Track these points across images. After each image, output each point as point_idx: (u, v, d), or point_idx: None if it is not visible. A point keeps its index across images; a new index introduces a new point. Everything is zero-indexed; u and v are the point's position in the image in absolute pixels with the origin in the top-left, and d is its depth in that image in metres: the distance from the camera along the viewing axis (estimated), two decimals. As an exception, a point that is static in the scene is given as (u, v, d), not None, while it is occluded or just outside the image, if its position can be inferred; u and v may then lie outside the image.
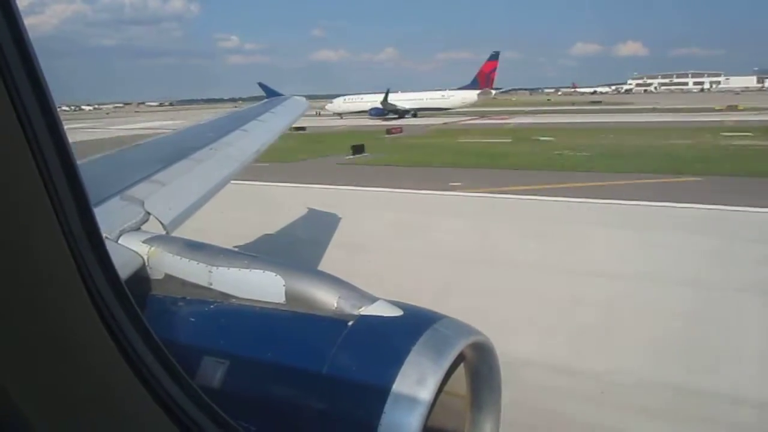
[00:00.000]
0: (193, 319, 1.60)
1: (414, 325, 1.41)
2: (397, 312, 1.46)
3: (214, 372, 1.42)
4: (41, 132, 0.76)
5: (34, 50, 0.76)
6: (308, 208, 12.73)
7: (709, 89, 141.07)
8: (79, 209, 0.84)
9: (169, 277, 1.75)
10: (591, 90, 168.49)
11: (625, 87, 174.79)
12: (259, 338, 1.52)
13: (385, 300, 1.51)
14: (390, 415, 1.25)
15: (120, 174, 2.83)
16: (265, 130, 5.05)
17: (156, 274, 1.78)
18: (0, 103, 0.71)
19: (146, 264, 1.80)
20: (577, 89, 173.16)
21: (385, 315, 1.45)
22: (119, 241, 1.90)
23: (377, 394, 1.27)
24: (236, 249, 1.82)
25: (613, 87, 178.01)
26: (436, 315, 1.46)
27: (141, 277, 1.77)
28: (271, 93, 7.98)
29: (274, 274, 1.58)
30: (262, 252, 1.81)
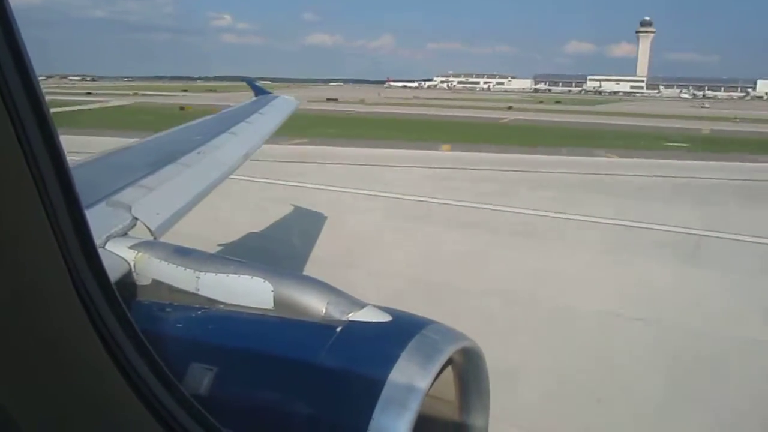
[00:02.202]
0: (180, 325, 1.59)
1: (403, 331, 1.41)
2: (386, 318, 1.46)
3: (201, 378, 1.41)
4: (33, 135, 0.76)
5: (26, 47, 0.76)
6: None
7: (488, 88, 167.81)
8: (71, 214, 0.84)
9: (156, 283, 1.74)
10: (401, 84, 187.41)
11: (429, 83, 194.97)
12: (247, 344, 1.52)
13: (374, 306, 1.51)
14: (378, 421, 1.25)
15: (107, 178, 2.81)
16: (253, 133, 5.03)
17: (143, 280, 1.77)
18: None
19: (133, 270, 1.78)
20: (391, 83, 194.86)
21: (374, 321, 1.46)
22: (106, 247, 1.88)
23: (365, 400, 1.28)
24: (223, 254, 1.81)
25: (420, 82, 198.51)
26: (425, 321, 1.47)
27: (127, 283, 1.76)
28: (259, 91, 7.93)
29: (263, 279, 1.58)
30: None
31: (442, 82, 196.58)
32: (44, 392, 0.86)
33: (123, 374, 0.94)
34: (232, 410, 1.37)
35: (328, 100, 65.83)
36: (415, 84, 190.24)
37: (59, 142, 0.81)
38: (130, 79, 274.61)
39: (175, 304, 1.66)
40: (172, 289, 1.69)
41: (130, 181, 2.72)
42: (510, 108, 56.89)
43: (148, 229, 2.28)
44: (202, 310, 1.61)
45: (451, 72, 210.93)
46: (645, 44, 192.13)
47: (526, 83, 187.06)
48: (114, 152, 3.79)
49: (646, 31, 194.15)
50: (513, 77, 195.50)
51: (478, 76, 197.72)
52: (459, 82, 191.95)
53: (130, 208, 2.32)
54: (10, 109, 0.72)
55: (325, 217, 11.32)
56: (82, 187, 0.87)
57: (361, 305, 1.50)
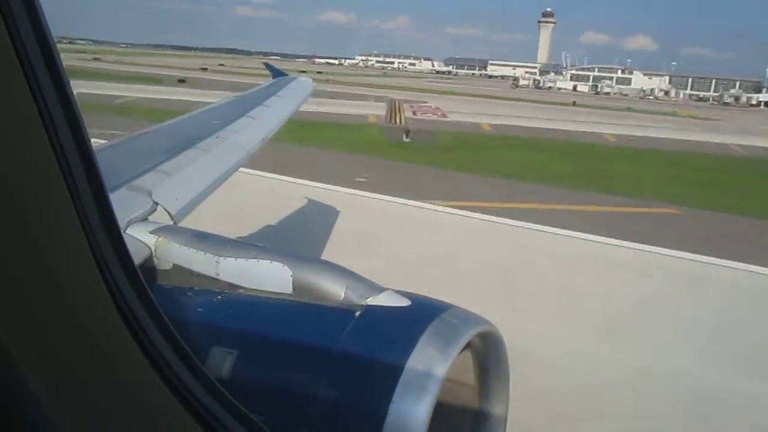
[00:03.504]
0: (200, 309, 1.61)
1: (422, 315, 1.41)
2: (404, 302, 1.46)
3: (222, 362, 1.43)
4: (60, 121, 0.77)
5: (53, 40, 0.76)
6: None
7: (398, 68, 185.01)
8: (96, 198, 0.85)
9: (176, 268, 1.76)
10: (325, 61, 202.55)
11: (350, 61, 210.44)
12: (267, 329, 1.53)
13: (393, 290, 1.51)
14: (399, 403, 1.25)
15: (127, 164, 2.83)
16: (271, 117, 5.03)
17: (163, 265, 1.78)
18: (21, 94, 0.72)
19: (154, 254, 1.80)
20: (315, 59, 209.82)
21: (392, 305, 1.45)
22: (127, 232, 1.90)
23: (385, 384, 1.28)
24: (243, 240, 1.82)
25: (341, 60, 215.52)
26: (444, 305, 1.46)
27: (148, 268, 1.78)
28: (276, 73, 7.93)
29: (281, 264, 1.58)
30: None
31: (362, 60, 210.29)
32: (68, 374, 0.88)
33: (147, 357, 0.95)
34: (252, 393, 1.39)
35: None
36: (336, 61, 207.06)
37: (84, 128, 0.82)
38: (128, 45, 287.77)
39: (196, 288, 1.67)
40: (192, 273, 1.71)
41: (149, 166, 2.74)
42: (205, 69, 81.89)
43: (169, 213, 2.30)
44: (222, 295, 1.62)
45: (375, 51, 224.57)
46: (545, 34, 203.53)
47: (435, 64, 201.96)
48: (133, 137, 3.82)
49: (547, 22, 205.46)
50: (426, 59, 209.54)
51: (395, 56, 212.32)
52: (377, 62, 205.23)
53: (150, 193, 2.34)
54: (37, 98, 0.73)
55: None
56: (103, 172, 0.87)
57: (379, 290, 1.50)
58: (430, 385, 1.26)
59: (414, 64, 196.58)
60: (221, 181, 3.14)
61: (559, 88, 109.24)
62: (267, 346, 1.48)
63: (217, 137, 3.73)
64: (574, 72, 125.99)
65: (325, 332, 1.43)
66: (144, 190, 2.37)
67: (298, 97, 6.57)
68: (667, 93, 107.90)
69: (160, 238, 1.83)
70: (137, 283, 0.94)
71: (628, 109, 61.02)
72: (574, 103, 63.67)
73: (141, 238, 1.84)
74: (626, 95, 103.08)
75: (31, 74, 0.72)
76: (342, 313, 1.45)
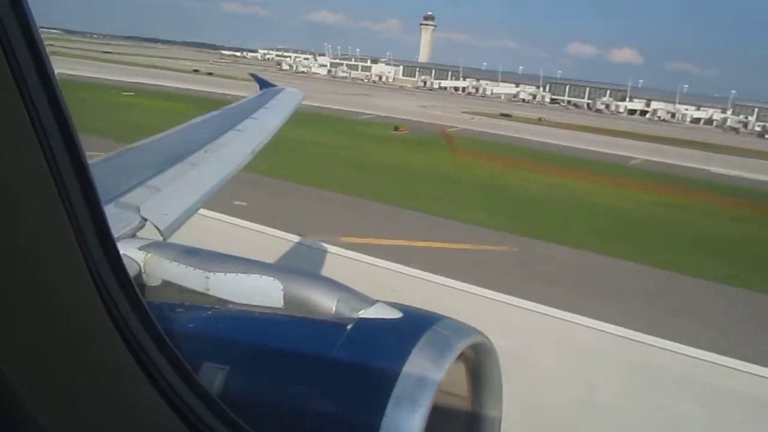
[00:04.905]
0: (191, 325, 1.60)
1: (414, 327, 1.41)
2: (396, 314, 1.46)
3: (214, 377, 1.42)
4: (53, 133, 0.77)
5: (45, 49, 0.76)
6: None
7: (293, 60, 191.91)
8: (91, 211, 0.85)
9: (166, 284, 1.75)
10: (230, 53, 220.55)
11: (253, 54, 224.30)
12: (259, 343, 1.52)
13: (384, 302, 1.51)
14: (391, 417, 1.25)
15: (114, 180, 2.82)
16: (259, 129, 5.03)
17: (153, 281, 1.77)
18: (13, 105, 0.72)
19: (143, 271, 1.79)
20: (222, 52, 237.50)
21: (384, 317, 1.45)
22: None
23: (378, 397, 1.28)
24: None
25: (243, 52, 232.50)
26: (436, 316, 1.46)
27: (137, 284, 1.76)
28: (263, 84, 7.91)
29: (272, 278, 1.58)
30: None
31: (264, 54, 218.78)
32: (64, 386, 0.87)
33: (143, 368, 0.95)
34: (245, 408, 1.38)
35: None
36: (239, 54, 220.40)
37: (79, 141, 0.82)
38: (100, 36, 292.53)
39: (186, 304, 1.66)
40: (182, 289, 1.70)
41: (137, 182, 2.73)
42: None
43: (157, 229, 2.29)
44: (213, 310, 1.61)
45: (281, 47, 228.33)
46: (426, 35, 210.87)
47: (325, 60, 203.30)
48: (121, 152, 3.80)
49: (428, 24, 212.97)
50: (320, 54, 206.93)
51: (294, 51, 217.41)
52: (276, 55, 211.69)
53: (138, 209, 2.33)
54: (30, 110, 0.73)
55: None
56: None
57: (371, 302, 1.50)
58: (423, 397, 1.26)
59: (308, 59, 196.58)
60: (210, 196, 3.13)
61: (314, 73, 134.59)
62: (259, 360, 1.47)
63: (205, 151, 3.72)
64: (334, 61, 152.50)
65: (317, 346, 1.42)
66: (132, 206, 2.36)
67: (286, 108, 6.56)
68: (380, 78, 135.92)
69: (149, 254, 1.81)
70: (132, 296, 0.95)
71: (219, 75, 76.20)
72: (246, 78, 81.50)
73: (130, 255, 1.83)
74: (362, 79, 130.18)
75: (23, 87, 0.72)
76: (334, 326, 1.45)
